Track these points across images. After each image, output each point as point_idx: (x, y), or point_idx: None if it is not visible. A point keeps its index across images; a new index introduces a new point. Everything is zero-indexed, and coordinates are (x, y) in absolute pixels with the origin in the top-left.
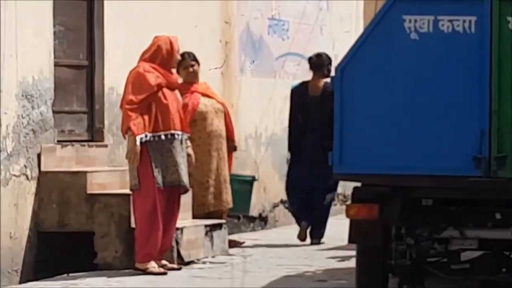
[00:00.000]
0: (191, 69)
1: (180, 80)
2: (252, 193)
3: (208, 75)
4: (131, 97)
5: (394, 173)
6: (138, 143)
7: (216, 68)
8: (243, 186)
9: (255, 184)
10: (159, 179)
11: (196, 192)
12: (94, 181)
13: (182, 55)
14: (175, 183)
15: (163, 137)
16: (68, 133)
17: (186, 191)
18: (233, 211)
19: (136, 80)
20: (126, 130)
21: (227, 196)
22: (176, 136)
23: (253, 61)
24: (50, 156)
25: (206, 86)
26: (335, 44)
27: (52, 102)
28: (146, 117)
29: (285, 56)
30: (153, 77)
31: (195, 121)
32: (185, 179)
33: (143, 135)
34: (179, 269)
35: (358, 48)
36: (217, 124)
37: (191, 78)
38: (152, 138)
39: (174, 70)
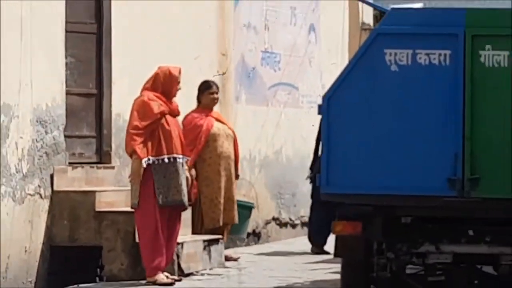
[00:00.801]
0: (215, 96)
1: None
2: (249, 218)
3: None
4: (136, 123)
5: (376, 193)
6: (144, 165)
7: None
8: (243, 211)
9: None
10: (160, 199)
11: (207, 209)
12: (102, 200)
13: (208, 82)
14: (177, 203)
15: (166, 160)
16: (79, 156)
17: (185, 209)
18: (230, 233)
19: (141, 108)
20: (131, 153)
21: (234, 213)
22: (178, 159)
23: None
24: (62, 177)
25: (218, 113)
26: (322, 74)
27: (64, 127)
28: (149, 143)
29: (276, 86)
30: (157, 105)
31: (208, 142)
32: (185, 198)
33: (146, 159)
34: (179, 280)
35: (343, 78)
36: (227, 147)
37: (212, 104)
38: (156, 161)
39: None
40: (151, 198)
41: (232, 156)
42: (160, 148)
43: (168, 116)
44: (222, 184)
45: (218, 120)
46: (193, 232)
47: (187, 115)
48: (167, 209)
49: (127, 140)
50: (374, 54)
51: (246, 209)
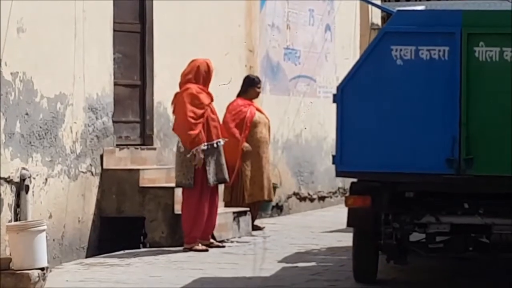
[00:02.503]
0: (259, 90)
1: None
2: (274, 197)
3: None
4: (192, 114)
5: (383, 171)
6: (203, 149)
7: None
8: None
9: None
10: (211, 178)
11: (248, 186)
12: (145, 177)
13: (254, 77)
14: (223, 180)
15: (214, 144)
16: (125, 139)
17: (228, 184)
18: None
19: (192, 100)
20: (192, 140)
21: (271, 190)
22: (221, 142)
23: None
24: (110, 157)
25: (257, 104)
26: (337, 68)
27: (112, 114)
28: (202, 131)
29: (297, 78)
30: (205, 97)
31: (250, 128)
32: (227, 176)
33: (204, 145)
34: (223, 246)
35: (355, 71)
36: (265, 133)
37: (256, 96)
38: (208, 146)
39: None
40: (198, 178)
41: (268, 141)
42: (209, 135)
43: (211, 105)
44: (262, 165)
45: (258, 109)
46: (234, 205)
47: (233, 101)
48: (212, 186)
49: (184, 128)
50: (381, 50)
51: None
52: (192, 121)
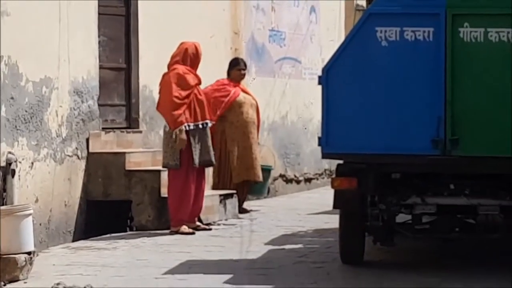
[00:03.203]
0: (242, 72)
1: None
2: (268, 180)
3: (223, 75)
4: (177, 94)
5: (369, 153)
6: (185, 130)
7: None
8: (263, 173)
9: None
10: (196, 159)
11: (235, 166)
12: (131, 160)
13: (237, 59)
14: (208, 162)
15: (200, 126)
16: (111, 122)
17: (213, 166)
18: (252, 193)
19: (178, 80)
20: (174, 120)
21: (258, 170)
22: (208, 124)
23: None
24: (96, 140)
25: (244, 86)
26: (322, 50)
27: (98, 97)
28: (187, 111)
29: (282, 60)
30: (191, 78)
31: (235, 108)
32: (213, 158)
33: (186, 124)
34: (210, 229)
35: (340, 53)
36: (252, 114)
37: (239, 78)
38: (194, 127)
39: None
40: (185, 159)
41: (256, 122)
42: (195, 115)
43: (198, 87)
44: (248, 145)
45: (244, 91)
46: (222, 187)
47: (219, 79)
48: (196, 168)
49: (168, 108)
50: (366, 32)
51: (265, 171)
52: (177, 101)
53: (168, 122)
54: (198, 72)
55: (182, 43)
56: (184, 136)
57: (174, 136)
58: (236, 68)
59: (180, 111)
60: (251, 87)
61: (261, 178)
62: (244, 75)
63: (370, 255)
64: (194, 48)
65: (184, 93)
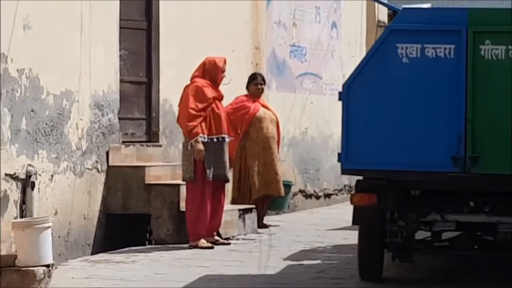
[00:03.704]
0: (259, 87)
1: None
2: (289, 195)
3: (243, 90)
4: (193, 105)
5: (389, 169)
6: (200, 141)
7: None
8: (284, 189)
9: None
10: (210, 173)
11: (255, 181)
12: (151, 174)
13: (255, 74)
14: (221, 177)
15: (215, 139)
16: (131, 136)
17: (228, 181)
18: (272, 208)
19: (196, 93)
20: (189, 131)
21: (280, 186)
22: (225, 139)
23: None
24: (116, 153)
25: (264, 101)
26: (343, 65)
27: (118, 110)
28: (203, 124)
29: (303, 75)
30: (210, 91)
31: (255, 124)
32: (228, 173)
33: (202, 136)
34: (228, 244)
35: (361, 69)
36: (271, 129)
37: (257, 93)
38: (208, 140)
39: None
40: (200, 172)
41: (276, 137)
42: (210, 129)
43: (217, 101)
44: (268, 160)
45: (264, 106)
46: (241, 202)
47: (238, 96)
48: (213, 182)
49: (184, 119)
50: (387, 48)
51: (286, 187)
52: (193, 112)
53: (184, 133)
54: (221, 88)
55: (206, 58)
56: (201, 146)
57: (189, 148)
58: (254, 83)
59: (195, 123)
60: (272, 103)
61: (283, 193)
62: (262, 90)
63: (388, 272)
64: (213, 63)
65: (201, 105)
